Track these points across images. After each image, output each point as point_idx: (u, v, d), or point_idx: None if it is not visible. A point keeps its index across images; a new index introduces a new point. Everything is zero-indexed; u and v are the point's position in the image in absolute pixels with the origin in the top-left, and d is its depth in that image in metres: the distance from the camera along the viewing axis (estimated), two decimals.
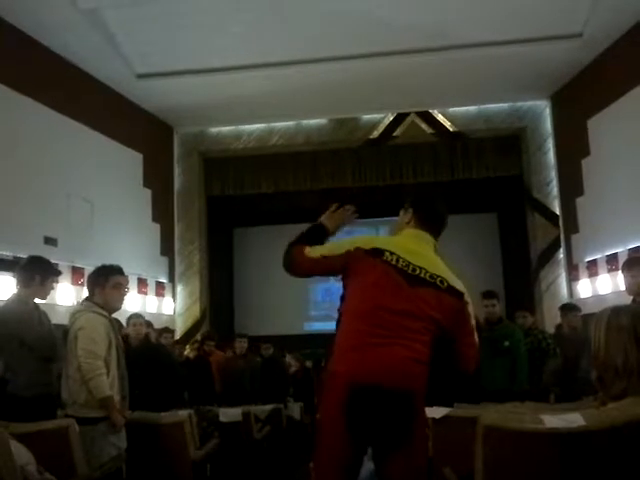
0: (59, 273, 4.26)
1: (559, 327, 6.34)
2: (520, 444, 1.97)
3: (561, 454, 1.91)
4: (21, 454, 2.16)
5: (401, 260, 2.30)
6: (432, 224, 2.50)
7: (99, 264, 3.82)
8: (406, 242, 2.42)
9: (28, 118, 6.59)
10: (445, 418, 3.47)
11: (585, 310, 7.44)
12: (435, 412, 3.62)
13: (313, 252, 2.40)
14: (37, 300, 4.00)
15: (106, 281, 3.65)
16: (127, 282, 3.86)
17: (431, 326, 2.27)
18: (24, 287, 3.90)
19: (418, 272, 2.30)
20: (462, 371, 2.43)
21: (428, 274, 2.30)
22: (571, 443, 1.90)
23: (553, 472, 1.93)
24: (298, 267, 2.43)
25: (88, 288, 3.76)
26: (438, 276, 2.32)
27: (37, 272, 3.90)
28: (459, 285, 2.37)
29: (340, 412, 2.16)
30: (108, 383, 3.45)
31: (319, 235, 2.51)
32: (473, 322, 2.39)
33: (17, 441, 2.31)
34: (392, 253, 2.31)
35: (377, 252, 2.32)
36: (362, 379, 2.16)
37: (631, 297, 4.14)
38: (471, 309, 2.38)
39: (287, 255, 2.44)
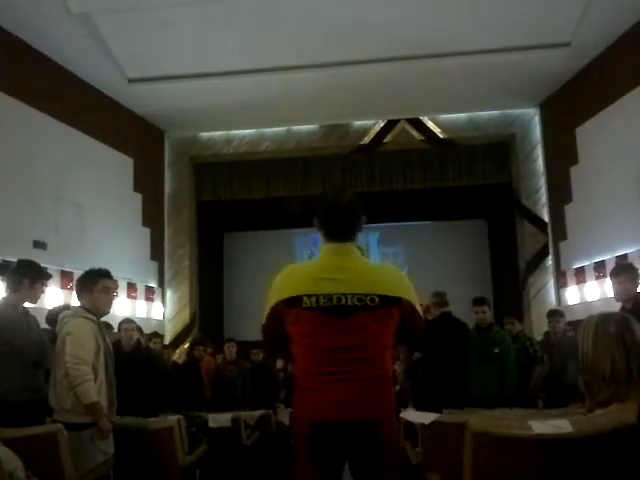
0: (49, 276, 4.22)
1: (547, 334, 6.39)
2: (508, 450, 1.98)
3: (549, 460, 1.92)
4: (9, 459, 2.14)
5: (321, 298, 2.16)
6: (338, 229, 2.28)
7: (89, 268, 3.80)
8: (323, 268, 2.25)
9: (18, 121, 6.56)
10: (434, 424, 3.48)
11: (573, 317, 7.50)
12: (424, 418, 3.63)
13: (263, 337, 2.41)
14: (27, 304, 3.98)
15: (94, 285, 3.63)
16: (115, 286, 3.85)
17: (382, 345, 2.23)
18: (13, 291, 3.88)
19: (344, 301, 2.15)
20: (416, 338, 2.47)
21: (355, 297, 2.16)
22: (559, 449, 1.91)
23: (541, 478, 1.94)
24: (271, 354, 2.49)
25: (76, 292, 3.75)
26: (367, 295, 2.16)
27: (25, 276, 3.88)
28: (395, 290, 2.23)
29: (306, 448, 2.20)
30: (96, 389, 3.43)
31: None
32: (419, 309, 2.32)
33: (5, 446, 2.30)
34: (310, 296, 2.17)
35: (295, 301, 2.19)
36: (321, 417, 2.16)
37: (619, 304, 4.19)
38: (414, 301, 2.28)
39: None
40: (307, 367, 2.25)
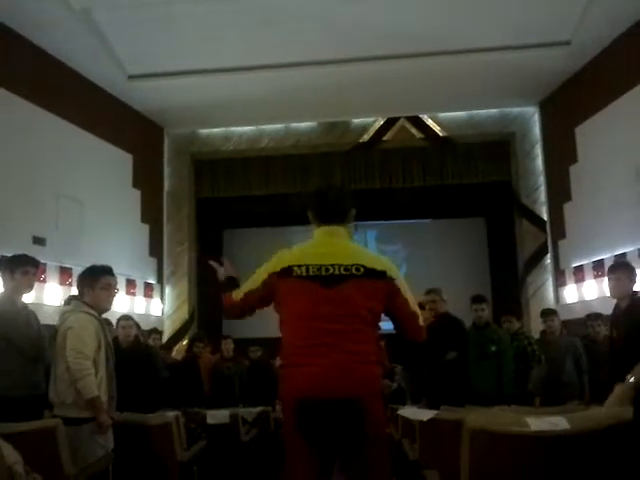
0: (32, 262, 4.03)
1: (544, 333, 6.40)
2: (505, 446, 1.99)
3: (546, 456, 1.93)
4: (9, 453, 2.15)
5: (311, 268, 2.31)
6: (329, 213, 2.48)
7: (87, 264, 3.80)
8: (315, 246, 2.43)
9: (17, 117, 6.56)
10: (431, 421, 3.49)
11: (571, 315, 7.52)
12: (422, 415, 3.64)
13: (237, 294, 2.52)
14: (26, 299, 3.99)
15: (96, 282, 3.63)
16: (116, 283, 3.85)
17: (367, 317, 2.30)
18: (5, 286, 3.92)
19: (332, 271, 2.30)
20: (413, 341, 2.47)
21: (342, 267, 2.30)
22: (556, 445, 1.92)
23: (538, 474, 1.95)
24: (232, 312, 2.57)
25: (78, 288, 3.75)
26: (353, 264, 2.31)
27: (7, 267, 3.90)
28: (380, 264, 2.36)
29: (294, 425, 2.25)
30: (96, 383, 3.44)
31: (234, 284, 2.62)
32: (406, 294, 2.40)
33: (4, 441, 2.30)
34: (300, 266, 2.32)
35: (287, 271, 2.34)
36: (308, 393, 2.21)
37: (615, 300, 4.21)
38: (400, 283, 2.39)
39: (223, 307, 2.60)
40: (294, 340, 2.32)
